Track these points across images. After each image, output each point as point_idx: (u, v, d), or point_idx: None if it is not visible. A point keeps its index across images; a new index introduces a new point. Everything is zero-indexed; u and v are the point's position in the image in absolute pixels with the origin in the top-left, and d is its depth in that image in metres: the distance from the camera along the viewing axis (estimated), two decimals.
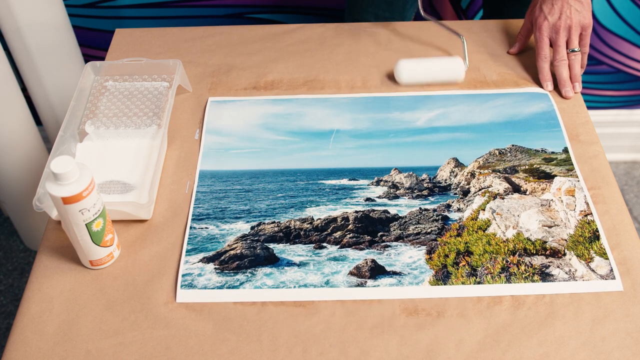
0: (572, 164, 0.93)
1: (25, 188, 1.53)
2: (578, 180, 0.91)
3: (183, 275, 0.80)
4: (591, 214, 0.86)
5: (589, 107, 1.82)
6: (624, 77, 1.75)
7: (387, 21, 1.21)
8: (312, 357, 0.73)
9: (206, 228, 0.86)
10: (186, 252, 0.83)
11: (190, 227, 0.86)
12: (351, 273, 0.81)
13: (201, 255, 0.83)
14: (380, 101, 1.03)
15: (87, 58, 1.69)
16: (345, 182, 0.94)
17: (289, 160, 0.95)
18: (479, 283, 0.79)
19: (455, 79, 1.04)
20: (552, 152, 0.95)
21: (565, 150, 0.95)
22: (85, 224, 0.76)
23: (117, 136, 0.95)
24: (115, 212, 0.84)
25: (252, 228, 0.86)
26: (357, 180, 0.94)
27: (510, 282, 0.79)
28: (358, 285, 0.80)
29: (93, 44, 1.67)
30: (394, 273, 0.81)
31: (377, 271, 0.81)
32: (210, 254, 0.83)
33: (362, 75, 1.08)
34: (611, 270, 0.80)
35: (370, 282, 0.80)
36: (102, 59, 1.15)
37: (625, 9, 1.58)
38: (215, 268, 0.81)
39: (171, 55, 1.13)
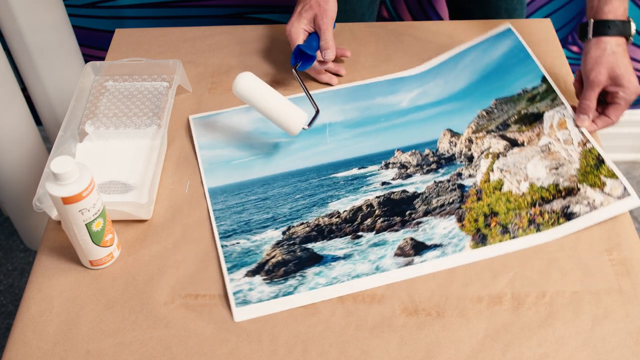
0: (554, 91, 0.95)
1: (25, 188, 1.53)
2: (565, 108, 0.92)
3: (234, 294, 0.78)
4: (588, 141, 0.88)
5: None
6: None
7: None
8: (312, 358, 0.73)
9: (237, 243, 0.84)
10: (228, 270, 0.80)
11: (222, 246, 0.83)
12: (396, 254, 0.82)
13: (244, 270, 0.81)
14: (361, 89, 1.04)
15: (87, 58, 1.69)
16: (355, 171, 0.93)
17: (294, 161, 0.95)
18: (514, 237, 0.82)
19: (289, 129, 0.92)
20: (533, 88, 0.97)
21: (544, 80, 0.97)
22: (85, 224, 0.76)
23: (117, 136, 0.95)
24: (115, 212, 0.84)
25: (284, 233, 0.85)
26: (366, 167, 0.94)
27: (540, 231, 0.82)
28: (407, 265, 0.81)
29: (93, 44, 1.67)
30: (435, 246, 0.83)
31: (419, 247, 0.83)
32: (253, 266, 0.81)
33: (361, 76, 1.08)
34: (625, 188, 0.83)
35: (417, 258, 0.82)
36: (102, 59, 1.15)
37: None
38: (263, 279, 0.80)
39: (171, 55, 1.13)
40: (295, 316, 0.77)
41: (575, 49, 1.68)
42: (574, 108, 0.93)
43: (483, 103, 1.00)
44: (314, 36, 1.03)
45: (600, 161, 0.86)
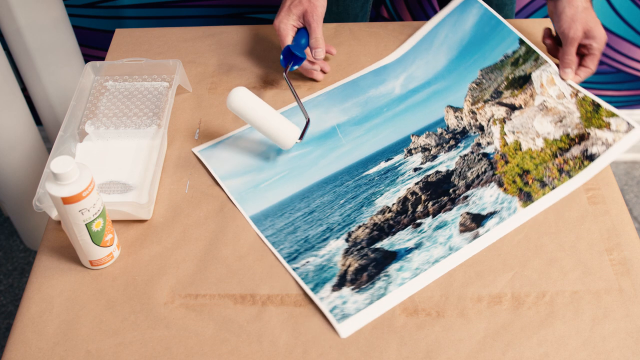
0: (534, 52, 0.99)
1: (25, 188, 1.53)
2: (550, 65, 0.97)
3: (331, 311, 0.77)
4: (579, 91, 0.94)
5: None
6: (624, 77, 1.75)
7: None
8: (312, 358, 0.73)
9: (307, 262, 0.82)
10: (312, 290, 0.79)
11: (294, 269, 0.81)
12: (461, 231, 0.84)
13: (328, 286, 0.79)
14: (351, 86, 1.05)
15: (87, 58, 1.69)
16: (384, 164, 0.94)
17: (320, 169, 0.94)
18: (554, 188, 0.87)
19: (282, 143, 0.93)
20: (513, 52, 1.01)
21: (522, 42, 1.01)
22: (85, 224, 0.76)
23: (117, 136, 0.95)
24: (115, 212, 0.85)
25: (347, 240, 0.84)
26: (392, 158, 0.95)
27: (572, 176, 0.87)
28: (475, 238, 0.83)
29: (93, 44, 1.67)
30: (491, 214, 0.85)
31: (478, 219, 0.85)
32: (335, 280, 0.80)
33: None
34: (628, 123, 0.89)
35: (480, 229, 0.84)
36: (102, 59, 1.15)
37: (625, 9, 1.58)
38: (352, 289, 0.79)
39: (171, 55, 1.13)
40: (296, 317, 0.77)
41: None
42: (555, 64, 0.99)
43: (470, 76, 1.03)
44: (303, 32, 1.02)
45: (596, 105, 0.92)
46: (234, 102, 0.91)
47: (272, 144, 0.96)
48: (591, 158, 0.88)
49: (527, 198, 0.87)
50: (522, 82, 0.98)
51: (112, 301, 0.79)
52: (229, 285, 0.80)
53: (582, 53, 0.99)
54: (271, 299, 0.79)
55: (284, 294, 0.79)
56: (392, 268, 0.81)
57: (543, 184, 0.88)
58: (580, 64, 0.99)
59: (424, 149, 0.95)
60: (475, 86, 1.00)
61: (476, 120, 0.97)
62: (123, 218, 0.86)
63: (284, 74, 0.99)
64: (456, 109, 0.99)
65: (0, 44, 1.45)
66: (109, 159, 0.93)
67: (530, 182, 0.88)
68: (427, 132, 0.98)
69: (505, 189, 0.88)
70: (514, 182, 0.88)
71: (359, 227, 0.86)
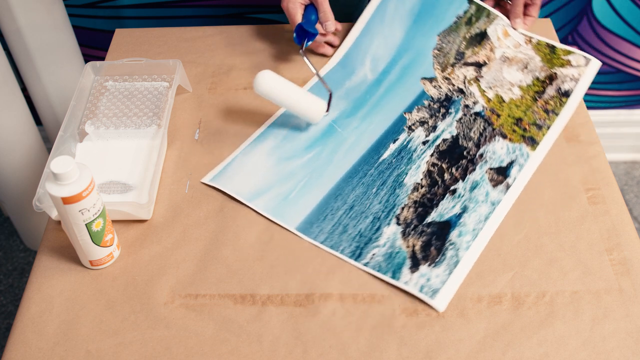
0: (484, 8, 1.06)
1: (25, 188, 1.53)
2: (501, 19, 1.05)
3: (421, 291, 0.78)
4: (532, 37, 1.04)
5: (589, 107, 1.82)
6: (624, 77, 1.75)
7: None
8: (312, 358, 0.73)
9: (374, 255, 0.82)
10: (394, 278, 0.79)
11: (365, 264, 0.81)
12: (493, 186, 0.88)
13: (406, 270, 0.80)
14: (328, 81, 1.05)
15: (87, 58, 1.69)
16: (393, 146, 0.95)
17: (337, 165, 0.94)
18: (549, 127, 0.94)
19: (311, 118, 0.97)
20: (465, 12, 1.07)
21: (470, 1, 1.07)
22: (85, 224, 0.76)
23: (117, 136, 0.95)
24: (115, 212, 0.85)
25: (398, 224, 0.86)
26: (398, 138, 0.96)
27: (558, 114, 0.95)
28: (508, 188, 0.87)
29: (93, 44, 1.67)
30: (510, 163, 0.90)
31: (502, 171, 0.89)
32: (408, 262, 0.81)
33: None
34: (584, 57, 0.99)
35: (509, 179, 0.89)
36: (102, 59, 1.15)
37: (625, 9, 1.58)
38: (428, 265, 0.80)
39: (171, 55, 1.13)
40: (296, 317, 0.77)
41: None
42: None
43: (429, 43, 1.07)
44: (311, 9, 1.04)
45: (551, 47, 1.02)
46: (263, 86, 0.93)
47: (279, 153, 0.95)
48: (567, 94, 0.97)
49: (532, 142, 0.92)
50: (480, 38, 1.04)
51: (112, 301, 0.79)
52: (229, 285, 0.80)
53: (526, 3, 1.08)
54: (271, 299, 0.79)
55: (284, 294, 0.79)
56: (453, 235, 0.83)
57: (539, 127, 0.94)
58: (525, 14, 1.08)
59: (422, 123, 0.97)
60: (438, 52, 1.05)
61: (453, 85, 1.01)
62: (123, 218, 0.86)
63: (300, 51, 1.02)
64: (431, 79, 1.02)
65: (0, 44, 1.45)
66: (109, 159, 0.93)
67: (527, 127, 0.94)
68: (417, 107, 1.00)
69: (510, 139, 0.93)
70: (514, 131, 0.93)
71: (402, 208, 0.87)
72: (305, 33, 1.02)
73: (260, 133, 0.98)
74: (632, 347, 0.73)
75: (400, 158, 0.94)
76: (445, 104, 1.00)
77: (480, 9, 1.07)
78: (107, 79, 1.03)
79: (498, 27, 1.05)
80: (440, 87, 1.01)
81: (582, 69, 0.98)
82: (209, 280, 0.81)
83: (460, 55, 1.04)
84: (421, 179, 0.90)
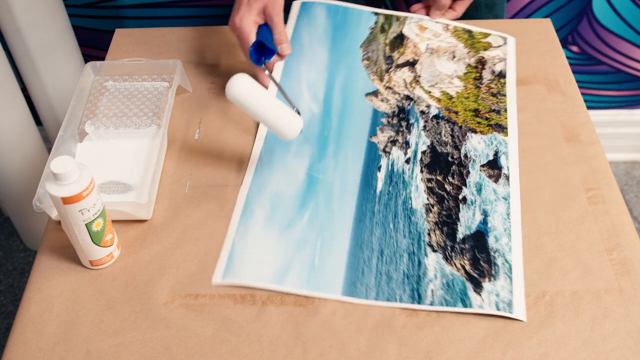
0: (391, 15, 1.10)
1: (25, 188, 1.53)
2: (411, 18, 1.10)
3: (498, 309, 0.76)
4: (447, 25, 1.09)
5: (589, 107, 1.82)
6: (624, 77, 1.75)
7: None
8: (312, 358, 0.73)
9: (432, 290, 0.78)
10: (465, 306, 0.76)
11: (431, 304, 0.77)
12: (495, 181, 0.88)
13: (471, 293, 0.77)
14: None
15: (87, 58, 1.69)
16: (380, 175, 0.91)
17: (341, 214, 0.87)
18: (505, 110, 0.97)
19: (286, 134, 0.86)
20: (375, 22, 1.10)
21: (375, 13, 1.10)
22: (85, 224, 0.76)
23: (117, 136, 0.95)
24: (115, 212, 0.85)
25: (434, 251, 0.82)
26: (381, 165, 0.92)
27: (505, 94, 0.99)
28: (507, 178, 0.89)
29: (93, 44, 1.67)
30: (495, 154, 0.92)
31: (493, 165, 0.91)
32: (469, 285, 0.78)
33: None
34: (500, 35, 1.07)
35: (503, 170, 0.90)
36: (102, 59, 1.15)
37: (625, 9, 1.58)
38: (488, 281, 0.78)
39: (171, 55, 1.13)
40: (296, 317, 0.77)
41: (575, 49, 1.68)
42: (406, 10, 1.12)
43: (356, 56, 1.07)
44: (264, 28, 0.96)
45: (468, 32, 1.08)
46: (235, 92, 0.84)
47: (276, 223, 0.86)
48: (502, 75, 1.02)
49: (500, 128, 0.95)
50: (400, 40, 1.07)
51: (112, 301, 0.79)
52: (229, 285, 0.80)
53: None
54: (271, 299, 0.79)
55: (284, 293, 0.79)
56: (491, 242, 0.82)
57: (497, 112, 0.97)
58: (450, 7, 1.10)
59: (393, 142, 0.95)
60: (367, 62, 1.05)
61: (398, 93, 1.00)
62: (123, 218, 0.86)
63: (263, 66, 0.96)
64: (375, 93, 1.01)
65: (0, 43, 1.45)
66: (109, 159, 0.93)
67: (487, 115, 0.96)
68: (378, 128, 0.97)
69: (481, 132, 0.95)
70: (479, 123, 0.95)
71: (428, 234, 0.84)
72: (263, 51, 0.95)
73: (242, 209, 0.87)
74: (632, 347, 0.73)
75: (395, 185, 0.90)
76: (403, 115, 0.98)
77: (388, 17, 1.11)
78: (107, 79, 1.03)
79: (412, 25, 1.09)
80: (387, 99, 1.00)
81: (503, 49, 1.05)
82: (209, 280, 0.81)
83: (389, 59, 1.05)
84: (427, 199, 0.88)
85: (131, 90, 1.01)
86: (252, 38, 0.95)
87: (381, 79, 1.02)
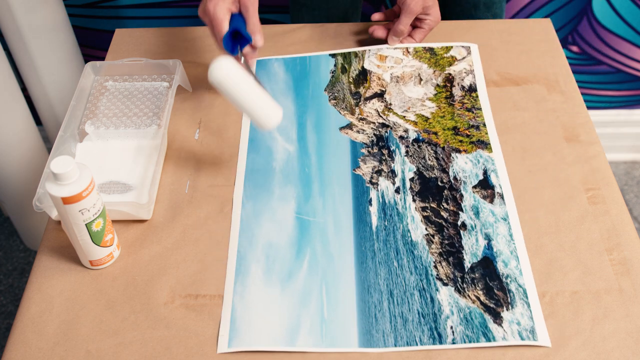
0: (349, 53, 1.08)
1: (25, 188, 1.53)
2: (369, 50, 1.08)
3: (522, 339, 0.74)
4: (406, 48, 1.07)
5: (589, 107, 1.82)
6: (624, 77, 1.75)
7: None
8: (312, 358, 0.73)
9: (451, 327, 0.76)
10: (487, 340, 0.74)
11: (453, 342, 0.74)
12: (489, 202, 0.87)
13: (492, 324, 0.75)
14: (252, 177, 0.93)
15: (87, 58, 1.69)
16: (372, 209, 0.88)
17: (341, 257, 0.84)
18: (485, 124, 0.96)
19: (265, 122, 0.85)
20: (334, 64, 1.08)
21: (332, 55, 1.09)
22: (85, 224, 0.76)
23: (117, 136, 0.95)
24: (115, 212, 0.85)
25: (445, 284, 0.80)
26: (371, 198, 0.89)
27: (480, 107, 0.98)
28: (501, 196, 0.87)
29: (93, 44, 1.67)
30: (484, 174, 0.90)
31: (484, 184, 0.89)
32: (488, 316, 0.76)
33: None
34: (462, 46, 1.06)
35: (496, 188, 0.88)
36: (102, 59, 1.15)
37: (625, 9, 1.58)
38: (506, 309, 0.76)
39: (171, 55, 1.13)
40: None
41: (575, 49, 1.68)
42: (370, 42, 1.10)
43: (322, 99, 1.04)
44: (237, 17, 0.92)
45: (430, 50, 1.06)
46: (218, 75, 0.82)
47: (276, 277, 0.82)
48: (472, 89, 1.01)
49: (484, 145, 0.94)
50: (363, 75, 1.05)
51: (112, 301, 0.79)
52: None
53: (415, 25, 1.08)
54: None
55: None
56: (501, 267, 0.80)
57: (476, 127, 0.96)
58: (409, 34, 1.09)
59: (378, 172, 0.92)
60: (335, 101, 1.03)
61: (373, 122, 0.98)
62: (123, 218, 0.86)
63: (239, 55, 0.91)
64: (349, 126, 0.99)
65: (0, 44, 1.45)
66: (109, 159, 0.93)
67: (467, 133, 0.95)
68: (360, 159, 0.94)
69: (465, 150, 0.93)
70: (461, 142, 0.94)
71: (435, 267, 0.81)
72: (238, 40, 0.91)
73: (235, 267, 0.82)
74: (632, 347, 0.73)
75: (390, 218, 0.87)
76: (382, 143, 0.95)
77: (346, 55, 1.09)
78: (107, 79, 1.03)
79: (371, 57, 1.07)
80: (363, 130, 0.97)
81: (468, 59, 1.03)
82: (209, 280, 0.81)
83: (356, 95, 1.02)
84: (425, 229, 0.85)
85: (131, 90, 1.01)
86: (225, 26, 0.90)
87: (352, 113, 1.00)
